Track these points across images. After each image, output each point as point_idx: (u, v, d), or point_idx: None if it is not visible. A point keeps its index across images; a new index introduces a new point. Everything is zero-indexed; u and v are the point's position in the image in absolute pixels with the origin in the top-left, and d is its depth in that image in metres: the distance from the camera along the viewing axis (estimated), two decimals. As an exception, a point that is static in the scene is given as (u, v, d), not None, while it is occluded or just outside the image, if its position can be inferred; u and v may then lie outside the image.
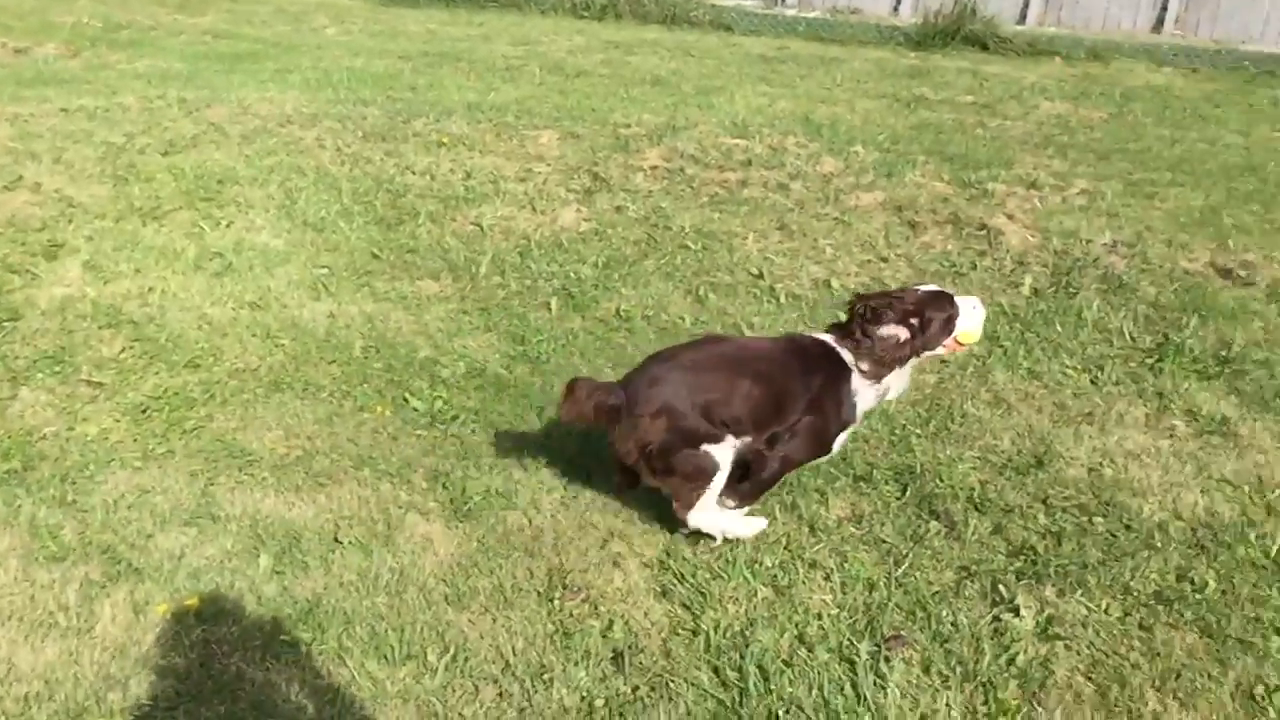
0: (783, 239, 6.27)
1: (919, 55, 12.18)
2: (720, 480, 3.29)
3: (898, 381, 3.47)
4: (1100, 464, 3.96)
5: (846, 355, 3.37)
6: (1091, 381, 4.61)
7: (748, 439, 3.31)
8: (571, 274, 5.72)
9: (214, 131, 7.73)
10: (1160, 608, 3.18)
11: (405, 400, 4.39)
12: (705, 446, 3.25)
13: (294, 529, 3.53)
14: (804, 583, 3.29)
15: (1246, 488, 3.82)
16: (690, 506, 3.31)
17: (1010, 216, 6.57)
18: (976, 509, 3.66)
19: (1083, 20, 13.44)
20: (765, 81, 10.48)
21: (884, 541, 3.50)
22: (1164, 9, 13.15)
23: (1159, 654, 2.99)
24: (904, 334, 3.33)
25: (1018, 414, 4.32)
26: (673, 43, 12.80)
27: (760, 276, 5.75)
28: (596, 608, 3.20)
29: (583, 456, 3.95)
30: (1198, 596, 3.23)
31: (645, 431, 3.21)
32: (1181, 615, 3.15)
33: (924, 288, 3.54)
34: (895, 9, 14.52)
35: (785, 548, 3.45)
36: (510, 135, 8.03)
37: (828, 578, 3.31)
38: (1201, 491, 3.79)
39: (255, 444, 4.05)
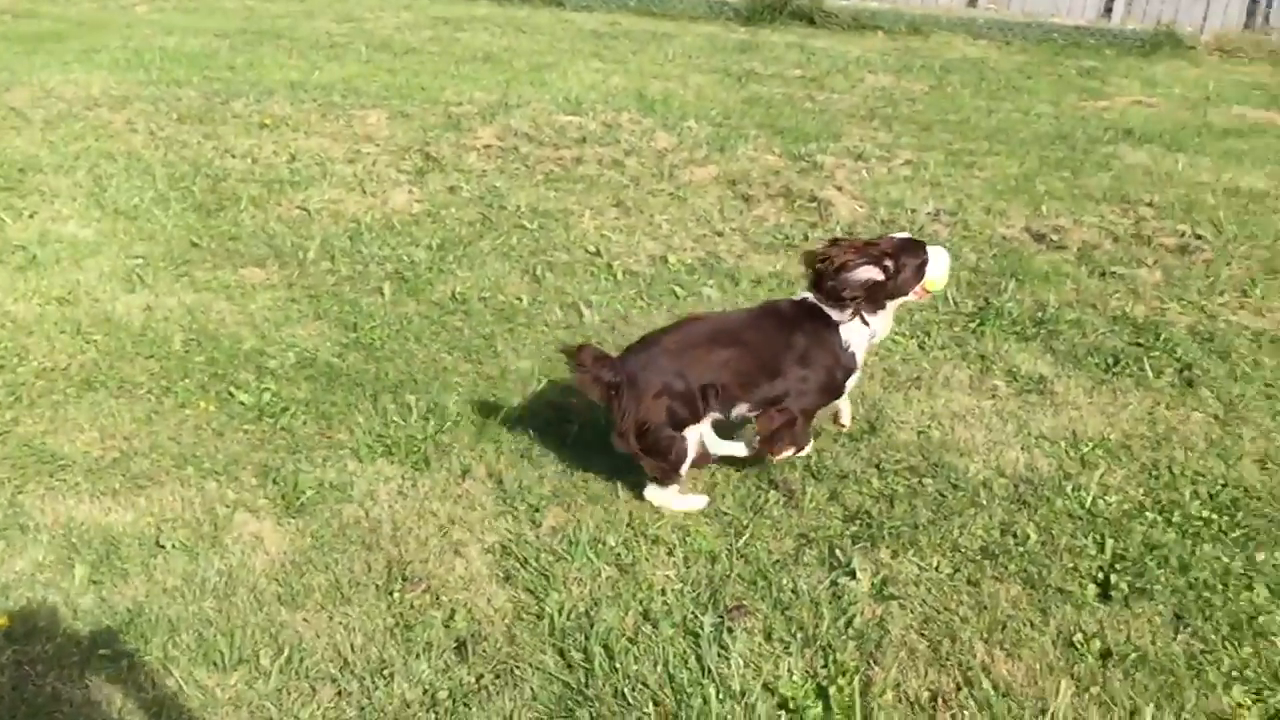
0: (619, 216, 6.26)
1: (748, 30, 12.35)
2: (690, 460, 3.46)
3: (881, 324, 3.58)
4: (929, 426, 4.09)
5: (830, 310, 3.48)
6: (919, 347, 4.76)
7: (742, 408, 3.49)
8: (404, 257, 5.59)
9: (14, 117, 7.25)
10: (986, 562, 3.30)
11: (230, 394, 4.21)
12: (686, 430, 3.41)
13: (112, 535, 3.34)
14: (647, 559, 3.29)
15: (1063, 442, 4.00)
16: (667, 484, 3.47)
17: (840, 188, 6.73)
18: (814, 477, 3.73)
19: (904, -5, 13.84)
20: (598, 57, 10.45)
21: (725, 514, 3.53)
22: (978, -16, 13.66)
23: (986, 607, 3.10)
24: (878, 274, 3.43)
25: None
26: (503, 19, 12.64)
27: (598, 254, 5.73)
28: (438, 598, 3.13)
29: (421, 443, 3.86)
30: (1021, 549, 3.36)
31: (647, 411, 3.35)
32: (1006, 568, 3.28)
33: (897, 235, 3.65)
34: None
35: (628, 525, 3.45)
36: (337, 115, 7.79)
37: (670, 553, 3.32)
38: (1022, 448, 3.95)
39: (67, 447, 3.82)
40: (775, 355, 3.48)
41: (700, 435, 3.50)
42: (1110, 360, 4.63)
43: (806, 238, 5.97)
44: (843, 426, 3.95)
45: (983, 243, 5.96)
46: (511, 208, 6.29)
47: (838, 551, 3.34)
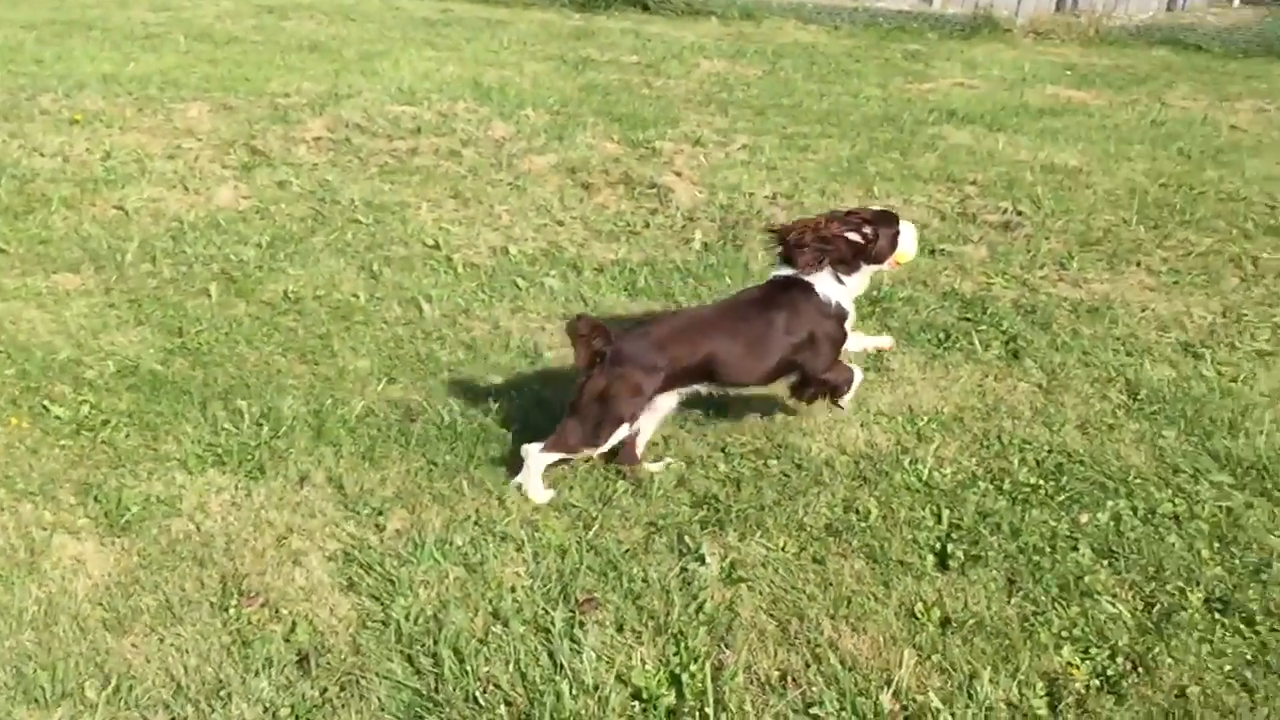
0: (458, 207, 6.16)
1: (584, 17, 12.31)
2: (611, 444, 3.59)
3: (857, 285, 3.83)
4: (772, 409, 4.14)
5: (812, 279, 3.71)
6: (760, 329, 4.82)
7: (748, 388, 3.83)
8: (232, 256, 5.36)
9: None
10: (831, 539, 3.37)
11: (45, 409, 3.96)
12: (634, 419, 3.58)
13: (-86, 569, 3.10)
14: (496, 557, 3.23)
15: (900, 418, 4.11)
16: (595, 448, 3.57)
17: (679, 173, 6.77)
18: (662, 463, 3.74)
19: (735, -19, 14.03)
20: (431, 45, 10.26)
21: (574, 506, 3.50)
22: (806, -30, 13.96)
23: (832, 583, 3.16)
24: (857, 237, 3.69)
25: (694, 366, 4.45)
26: (331, 6, 12.27)
27: (436, 247, 5.61)
28: (278, 611, 3.01)
29: (254, 450, 3.71)
30: (863, 525, 3.44)
31: (616, 385, 3.50)
32: (850, 544, 3.34)
33: (874, 207, 3.90)
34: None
35: (476, 523, 3.39)
36: (155, 109, 7.42)
37: (520, 549, 3.28)
38: (861, 425, 4.05)
39: None
40: (762, 336, 3.70)
41: (639, 424, 3.64)
42: (942, 335, 4.79)
43: (648, 225, 5.99)
44: (890, 348, 4.29)
45: (819, 224, 6.08)
46: (345, 202, 6.11)
47: (687, 538, 3.35)
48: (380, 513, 3.42)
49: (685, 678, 2.79)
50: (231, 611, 2.99)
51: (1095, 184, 6.89)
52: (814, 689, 2.77)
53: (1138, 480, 3.72)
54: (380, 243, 5.63)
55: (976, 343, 4.73)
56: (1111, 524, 3.47)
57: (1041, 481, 3.70)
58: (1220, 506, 3.57)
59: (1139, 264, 5.68)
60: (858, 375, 3.90)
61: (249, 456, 3.69)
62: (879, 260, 3.80)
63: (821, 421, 4.06)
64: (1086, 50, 11.65)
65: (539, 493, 3.54)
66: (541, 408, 4.07)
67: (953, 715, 2.68)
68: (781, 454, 3.84)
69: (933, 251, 5.75)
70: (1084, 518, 3.51)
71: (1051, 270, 5.58)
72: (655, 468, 3.72)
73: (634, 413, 3.58)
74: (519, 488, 3.54)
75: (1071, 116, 8.63)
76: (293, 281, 5.12)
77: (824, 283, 3.73)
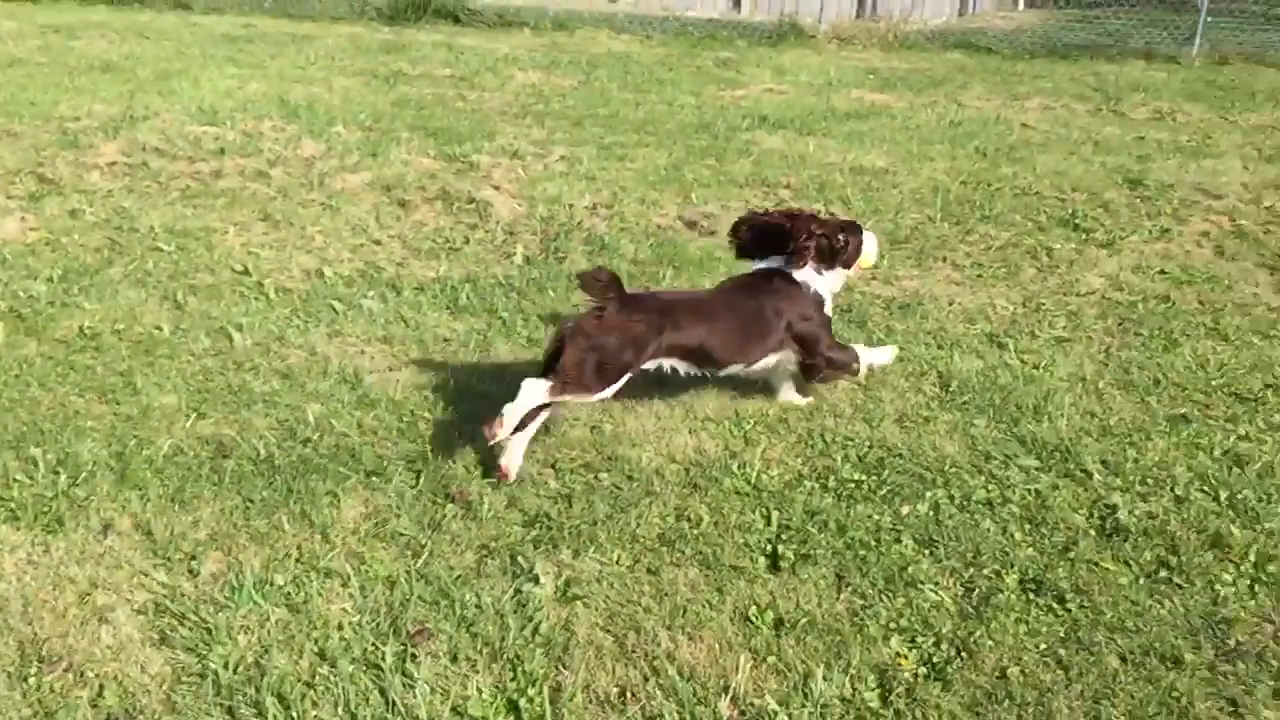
0: (268, 230, 5.93)
1: (393, 30, 12.09)
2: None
3: (834, 281, 4.24)
4: (601, 421, 4.13)
5: (799, 275, 4.10)
6: (586, 341, 4.80)
7: (736, 367, 4.09)
8: (20, 292, 5.02)
9: None
10: (664, 549, 3.37)
11: None
12: (624, 373, 3.77)
13: None
14: (320, 594, 3.10)
15: (727, 422, 4.16)
16: (600, 392, 3.73)
17: (498, 187, 6.70)
18: (491, 486, 3.67)
19: (546, -8, 14.03)
20: (233, 63, 9.88)
21: (402, 534, 3.40)
22: (616, -20, 14.08)
23: (667, 594, 3.16)
24: (828, 242, 4.12)
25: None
26: (123, 24, 11.68)
27: (246, 272, 5.39)
28: (83, 674, 2.80)
29: (51, 501, 3.46)
30: (695, 532, 3.45)
31: (610, 336, 3.69)
32: (683, 553, 3.35)
33: (840, 217, 4.48)
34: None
35: (298, 560, 3.25)
36: (-74, 137, 6.89)
37: (345, 584, 3.16)
38: (690, 432, 4.08)
39: None
40: (753, 320, 4.06)
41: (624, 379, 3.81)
42: (763, 338, 4.86)
43: (468, 240, 5.90)
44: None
45: (639, 234, 6.12)
46: (144, 229, 5.80)
47: (520, 558, 3.30)
48: (193, 557, 3.25)
49: (523, 703, 2.74)
50: (31, 681, 2.77)
51: (901, 184, 7.15)
52: (653, 702, 2.76)
53: (953, 469, 3.86)
54: (184, 271, 5.36)
55: (797, 343, 4.83)
56: (931, 514, 3.59)
57: (864, 477, 3.80)
58: (1029, 489, 3.73)
59: (945, 259, 5.93)
60: (863, 351, 4.31)
61: (45, 508, 3.44)
62: (847, 265, 4.26)
63: (650, 431, 4.07)
64: (887, 54, 12.12)
65: (511, 425, 3.57)
66: (364, 432, 3.95)
67: (789, 716, 2.71)
68: (612, 466, 3.83)
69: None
70: (905, 509, 3.62)
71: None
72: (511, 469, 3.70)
73: (635, 364, 3.80)
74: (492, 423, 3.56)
75: (876, 119, 8.95)
76: (89, 316, 4.82)
77: (806, 274, 4.13)
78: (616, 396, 3.87)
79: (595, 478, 3.75)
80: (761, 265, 4.19)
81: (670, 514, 3.55)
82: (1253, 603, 3.16)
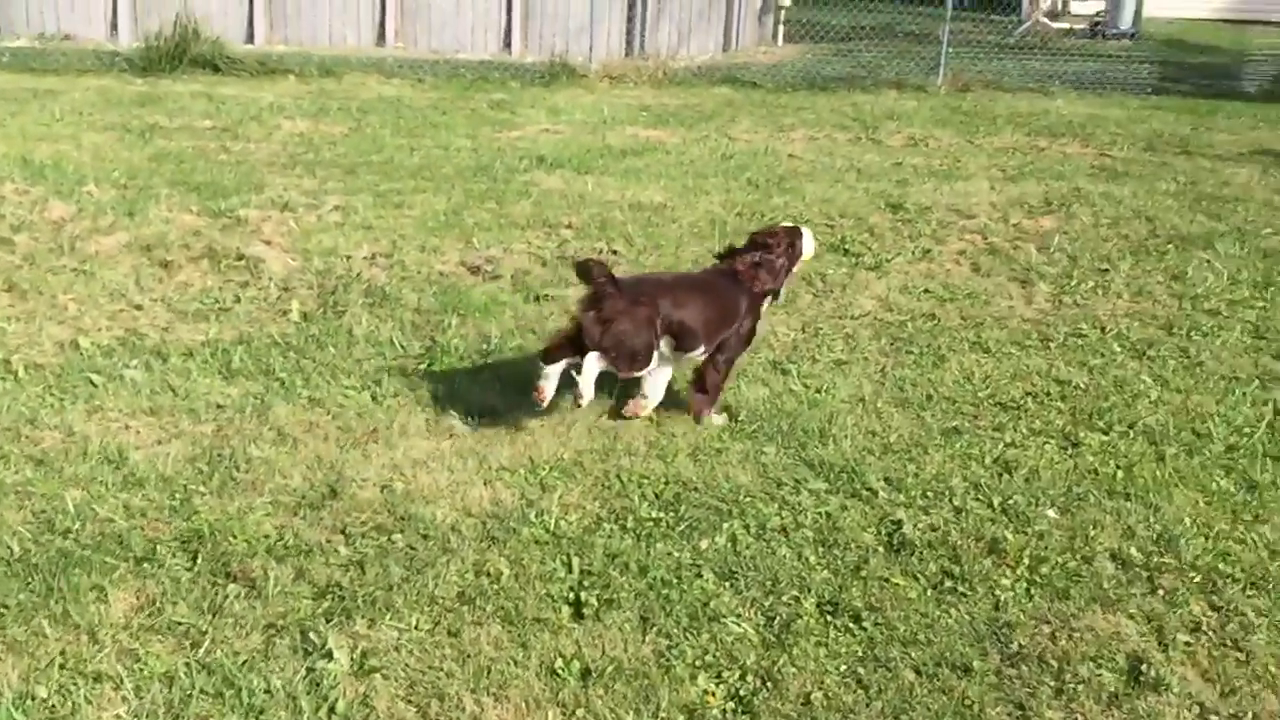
0: (13, 301, 5.48)
1: (147, 81, 11.52)
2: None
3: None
4: (392, 480, 3.99)
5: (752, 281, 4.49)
6: (372, 398, 4.65)
7: (699, 349, 4.40)
8: None
9: None
10: (465, 608, 3.27)
11: None
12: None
13: None
14: (90, 702, 2.84)
15: (522, 470, 4.09)
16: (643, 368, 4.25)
17: (269, 242, 6.44)
18: (276, 559, 3.47)
19: (309, 36, 13.69)
20: (-34, 122, 9.15)
21: (179, 623, 3.16)
22: (382, 24, 13.87)
23: (470, 655, 3.06)
24: (783, 260, 4.58)
25: (305, 447, 4.20)
26: None
27: (-11, 350, 4.96)
28: None
29: None
30: (496, 587, 3.37)
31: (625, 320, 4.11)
32: (484, 610, 3.26)
33: (783, 225, 4.85)
34: (112, 33, 13.56)
35: (62, 667, 2.97)
36: None
37: (118, 686, 2.90)
38: (485, 483, 3.99)
39: None
40: (729, 307, 4.43)
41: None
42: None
43: (239, 300, 5.62)
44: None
45: (422, 281, 5.99)
46: None
47: (311, 634, 3.12)
48: (-62, 676, 2.92)
49: (323, 792, 2.58)
50: None
51: (680, 218, 7.29)
52: (462, 774, 2.66)
53: (747, 499, 3.92)
54: (-83, 352, 4.89)
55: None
56: (729, 545, 3.63)
57: (662, 514, 3.81)
58: (820, 512, 3.83)
59: (726, 290, 6.06)
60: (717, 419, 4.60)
61: None
62: (793, 264, 4.68)
63: (444, 485, 3.96)
64: (658, 91, 12.39)
65: (590, 389, 4.13)
66: (132, 515, 3.68)
67: (602, 770, 2.66)
68: (405, 526, 3.70)
69: (538, 298, 5.83)
70: (704, 543, 3.64)
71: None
72: None
73: (656, 343, 4.22)
74: (578, 397, 4.13)
75: (651, 155, 9.12)
76: None
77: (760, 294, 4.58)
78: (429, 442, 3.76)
79: (388, 540, 3.61)
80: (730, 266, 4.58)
81: (469, 571, 3.45)
82: (1030, 605, 3.33)
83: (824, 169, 8.84)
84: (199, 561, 3.44)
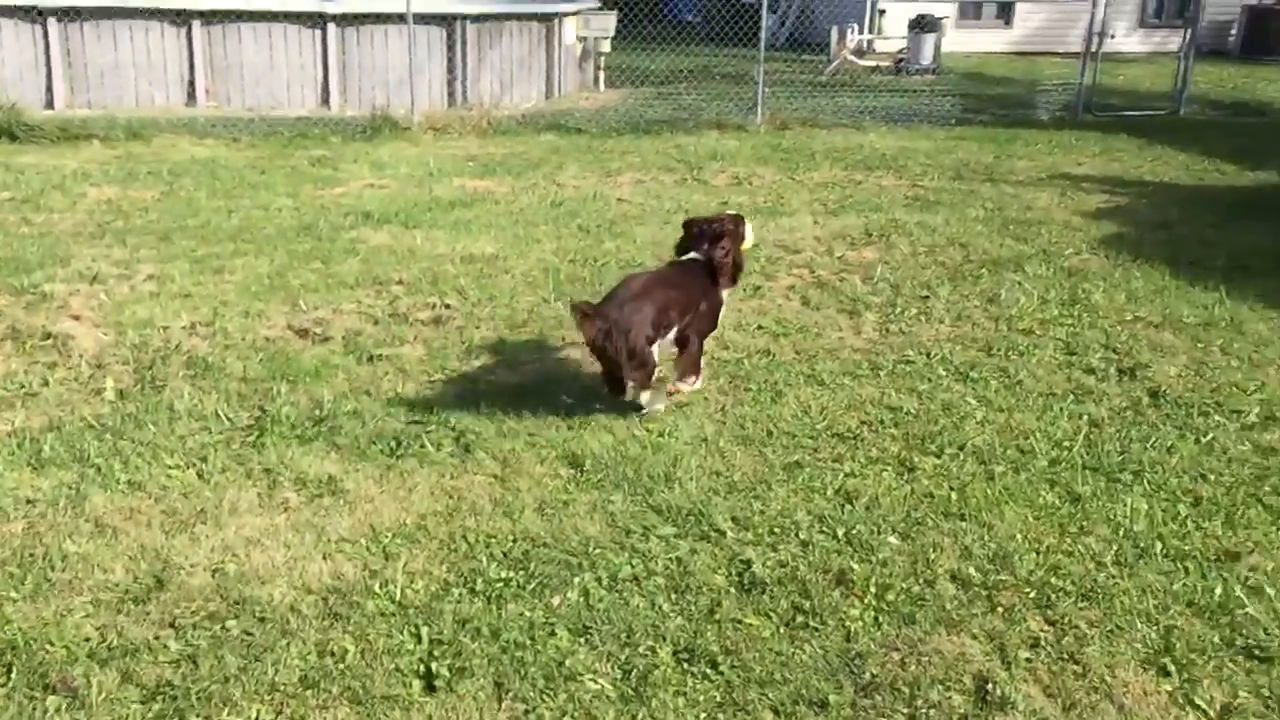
0: None
1: (-64, 152, 10.80)
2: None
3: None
4: (223, 562, 3.79)
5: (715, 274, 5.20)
6: (199, 476, 4.42)
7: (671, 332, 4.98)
8: None
9: None
10: (309, 693, 3.12)
11: None
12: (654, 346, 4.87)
13: None
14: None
15: (363, 540, 3.95)
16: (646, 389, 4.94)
17: (78, 317, 6.10)
18: (99, 663, 3.24)
19: (114, 99, 13.12)
20: None
21: (-8, 742, 2.92)
22: (192, 83, 13.41)
23: (317, 744, 2.92)
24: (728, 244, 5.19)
25: (126, 536, 3.96)
26: None
27: None
28: None
29: None
30: (341, 667, 3.23)
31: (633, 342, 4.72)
32: (330, 692, 3.12)
33: (728, 213, 5.45)
34: (-105, 102, 12.67)
35: None
36: None
37: (-77, 819, 2.65)
38: (324, 557, 3.83)
39: None
40: (697, 292, 5.08)
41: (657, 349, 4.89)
42: (393, 444, 4.70)
43: (47, 382, 5.27)
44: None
45: (247, 349, 5.76)
46: None
47: (143, 740, 2.93)
48: None
49: None
50: None
51: (513, 268, 7.25)
52: None
53: (597, 550, 3.88)
54: None
55: (429, 444, 4.71)
56: (582, 600, 3.58)
57: (512, 573, 3.73)
58: (671, 558, 3.83)
59: (564, 338, 6.04)
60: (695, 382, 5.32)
61: None
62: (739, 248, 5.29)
63: (280, 563, 3.78)
64: (483, 141, 12.34)
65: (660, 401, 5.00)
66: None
67: None
68: (241, 611, 3.51)
69: (371, 358, 5.68)
70: (556, 600, 3.59)
71: (488, 358, 5.75)
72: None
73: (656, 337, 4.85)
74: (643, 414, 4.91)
75: (480, 206, 9.05)
76: None
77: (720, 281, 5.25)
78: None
79: (222, 628, 3.42)
80: (691, 255, 5.23)
81: (311, 652, 3.30)
82: (879, 633, 3.39)
83: (653, 211, 8.95)
84: (13, 675, 3.18)
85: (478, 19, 14.14)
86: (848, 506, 4.19)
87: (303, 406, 5.07)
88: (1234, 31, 23.54)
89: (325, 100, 13.48)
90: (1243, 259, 7.68)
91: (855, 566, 3.74)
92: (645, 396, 4.96)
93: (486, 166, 10.82)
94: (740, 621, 3.45)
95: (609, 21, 16.28)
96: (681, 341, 5.08)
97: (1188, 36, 15.44)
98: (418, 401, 5.16)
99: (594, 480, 4.42)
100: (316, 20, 13.35)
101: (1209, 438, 4.85)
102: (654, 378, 4.90)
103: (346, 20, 13.49)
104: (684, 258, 5.29)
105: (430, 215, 8.65)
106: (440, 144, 12.11)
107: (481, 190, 9.72)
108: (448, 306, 6.49)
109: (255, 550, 3.87)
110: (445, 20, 13.89)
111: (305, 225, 8.26)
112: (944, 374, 5.57)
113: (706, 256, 5.17)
